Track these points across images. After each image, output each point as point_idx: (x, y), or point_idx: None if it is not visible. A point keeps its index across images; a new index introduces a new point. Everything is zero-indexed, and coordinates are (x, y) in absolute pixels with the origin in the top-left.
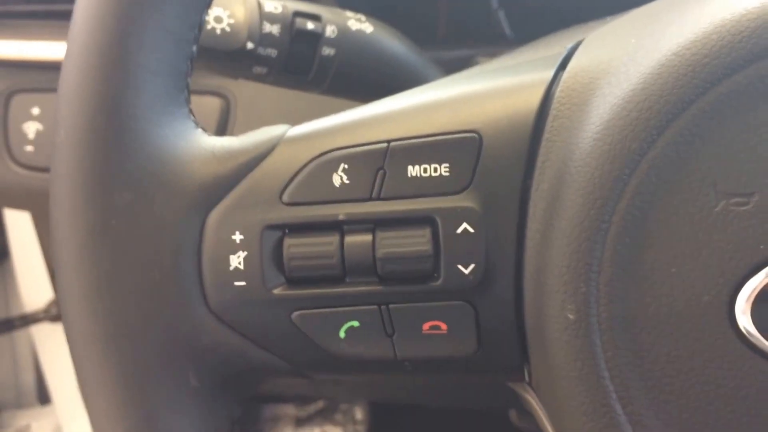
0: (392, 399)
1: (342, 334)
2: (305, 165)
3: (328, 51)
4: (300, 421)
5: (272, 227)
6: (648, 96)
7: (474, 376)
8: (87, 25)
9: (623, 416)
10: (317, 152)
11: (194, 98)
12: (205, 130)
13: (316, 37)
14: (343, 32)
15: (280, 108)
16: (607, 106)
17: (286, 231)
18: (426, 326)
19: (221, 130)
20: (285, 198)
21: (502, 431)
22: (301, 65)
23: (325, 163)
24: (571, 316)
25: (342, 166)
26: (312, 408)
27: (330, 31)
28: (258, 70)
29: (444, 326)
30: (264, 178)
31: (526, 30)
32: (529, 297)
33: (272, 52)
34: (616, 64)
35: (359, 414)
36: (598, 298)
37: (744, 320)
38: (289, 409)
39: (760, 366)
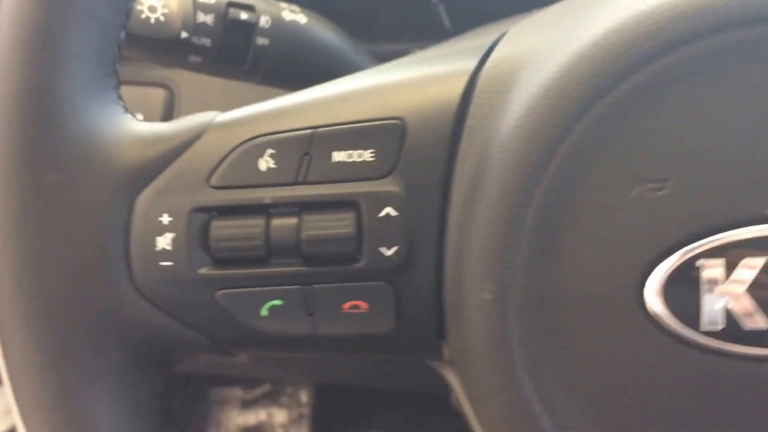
0: (336, 380)
1: (265, 313)
2: (233, 150)
3: (262, 41)
4: (246, 404)
5: (200, 210)
6: (566, 84)
7: (393, 354)
8: (14, 9)
9: (534, 394)
10: (245, 137)
11: (138, 89)
12: (134, 115)
13: (250, 27)
14: (277, 22)
15: (224, 99)
16: (527, 95)
17: (214, 213)
18: (347, 305)
19: (166, 121)
20: (213, 182)
21: (444, 414)
22: (236, 55)
23: (253, 148)
24: (487, 296)
25: (269, 151)
26: (258, 391)
27: (264, 21)
28: (193, 59)
29: (365, 305)
30: (192, 162)
31: (466, 23)
32: (449, 278)
33: (206, 42)
34: (537, 54)
35: (304, 397)
36: (515, 279)
37: (654, 302)
38: (236, 392)
39: (669, 347)
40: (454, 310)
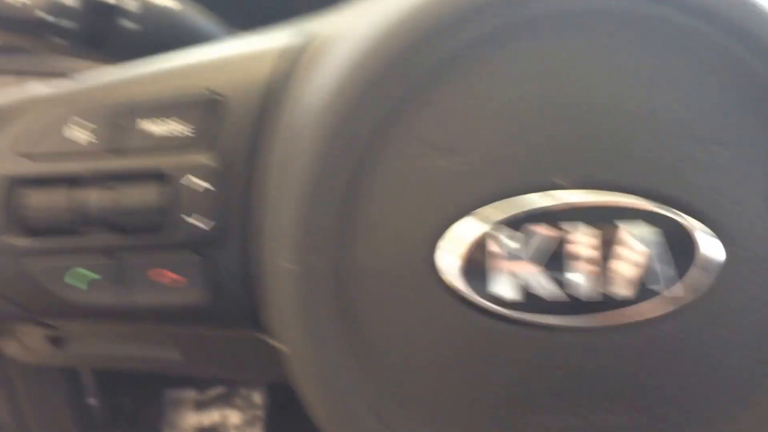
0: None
1: (76, 283)
2: (46, 121)
3: (129, 25)
4: (200, 405)
5: (8, 179)
6: (373, 59)
7: (212, 327)
8: None
9: (342, 365)
10: (59, 110)
11: (41, 81)
12: None
13: (113, 10)
14: (147, 7)
15: None
16: (334, 69)
17: (23, 183)
18: (160, 277)
19: None
20: (24, 151)
21: None
22: (102, 39)
23: (68, 119)
24: (294, 268)
25: (83, 123)
26: (213, 392)
27: (130, 5)
28: (56, 41)
29: (178, 277)
30: (3, 132)
31: None
32: (260, 250)
33: (69, 24)
34: (347, 31)
35: (258, 399)
36: (319, 251)
37: (446, 269)
38: (190, 393)
39: (461, 315)
40: (266, 282)
